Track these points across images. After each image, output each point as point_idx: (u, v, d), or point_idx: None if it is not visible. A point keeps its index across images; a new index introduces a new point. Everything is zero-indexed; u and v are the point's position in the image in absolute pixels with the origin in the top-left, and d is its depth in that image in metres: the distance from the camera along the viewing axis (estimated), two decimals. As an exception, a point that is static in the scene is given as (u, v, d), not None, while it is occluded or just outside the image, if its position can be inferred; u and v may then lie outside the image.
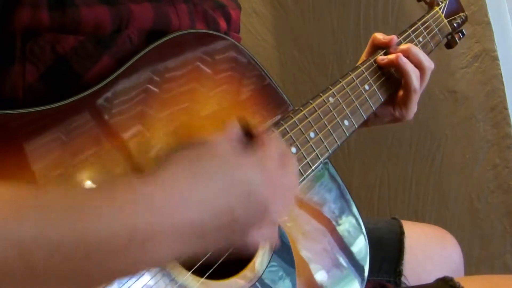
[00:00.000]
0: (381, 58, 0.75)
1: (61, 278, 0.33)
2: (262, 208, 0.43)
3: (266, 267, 0.54)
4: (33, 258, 0.31)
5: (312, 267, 0.59)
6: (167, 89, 0.53)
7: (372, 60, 0.74)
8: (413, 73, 0.74)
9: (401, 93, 0.77)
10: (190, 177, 0.40)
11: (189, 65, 0.56)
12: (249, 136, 0.47)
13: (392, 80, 0.76)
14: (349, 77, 0.70)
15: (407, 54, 0.75)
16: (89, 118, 0.47)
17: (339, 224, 0.64)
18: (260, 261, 0.54)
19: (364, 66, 0.73)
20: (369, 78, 0.72)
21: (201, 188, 0.39)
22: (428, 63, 0.76)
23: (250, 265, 0.53)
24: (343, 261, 0.62)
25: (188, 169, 0.40)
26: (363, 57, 0.81)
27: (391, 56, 0.75)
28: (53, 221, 0.32)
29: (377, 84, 0.73)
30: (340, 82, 0.69)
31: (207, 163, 0.41)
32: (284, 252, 0.57)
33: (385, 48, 0.77)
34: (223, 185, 0.40)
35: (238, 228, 0.42)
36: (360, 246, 0.65)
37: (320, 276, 0.60)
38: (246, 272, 0.53)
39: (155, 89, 0.52)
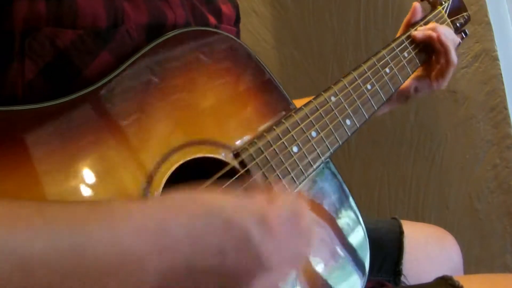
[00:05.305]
0: (416, 33, 0.81)
1: None
2: (256, 260, 0.41)
3: None
4: (34, 275, 0.31)
5: (311, 259, 0.59)
6: (168, 85, 0.53)
7: (375, 59, 0.74)
8: (452, 47, 0.81)
9: (438, 67, 0.83)
10: (188, 212, 0.39)
11: (188, 63, 0.56)
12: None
13: (394, 81, 0.76)
14: (351, 76, 0.69)
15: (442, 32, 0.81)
16: (90, 116, 0.47)
17: (339, 220, 0.64)
18: None
19: (367, 65, 0.72)
20: (371, 77, 0.72)
21: (198, 224, 0.39)
22: (455, 37, 0.84)
23: None
24: (343, 254, 0.62)
25: (188, 205, 0.40)
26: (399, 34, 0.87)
27: (431, 33, 0.80)
28: (57, 241, 0.33)
29: (380, 83, 0.73)
30: (342, 81, 0.68)
31: (209, 205, 0.41)
32: None
33: (415, 20, 0.86)
34: (219, 226, 0.40)
35: (227, 273, 0.40)
36: (360, 239, 0.64)
37: (320, 268, 0.59)
38: None
39: (155, 84, 0.52)
